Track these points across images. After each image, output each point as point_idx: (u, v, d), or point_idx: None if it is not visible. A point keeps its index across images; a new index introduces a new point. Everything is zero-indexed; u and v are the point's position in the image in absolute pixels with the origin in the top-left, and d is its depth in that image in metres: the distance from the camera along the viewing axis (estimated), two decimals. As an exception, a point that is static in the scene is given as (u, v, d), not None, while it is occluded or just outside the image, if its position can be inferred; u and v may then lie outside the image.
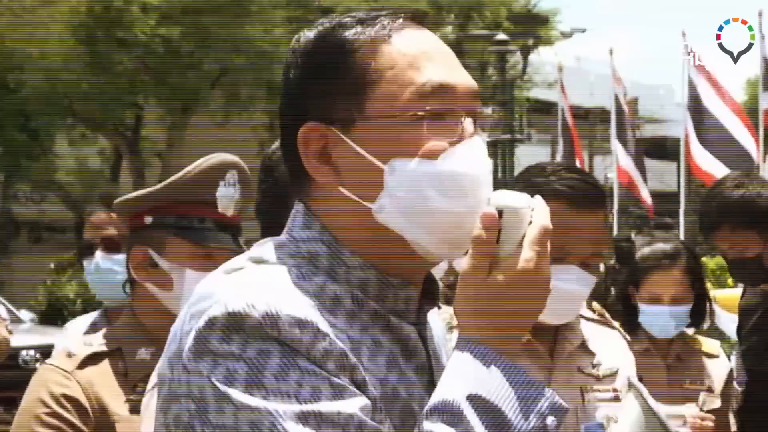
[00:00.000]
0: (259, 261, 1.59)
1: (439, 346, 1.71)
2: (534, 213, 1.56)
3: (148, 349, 2.71)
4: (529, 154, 20.75)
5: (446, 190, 1.56)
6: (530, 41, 26.17)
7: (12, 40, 20.91)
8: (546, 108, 28.70)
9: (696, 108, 15.57)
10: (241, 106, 22.96)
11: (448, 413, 1.47)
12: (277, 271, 1.56)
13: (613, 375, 2.66)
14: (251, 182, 2.80)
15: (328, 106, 1.59)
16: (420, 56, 1.60)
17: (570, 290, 2.53)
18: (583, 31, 30.79)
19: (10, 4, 21.36)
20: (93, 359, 2.69)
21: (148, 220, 2.76)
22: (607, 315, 2.87)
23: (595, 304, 2.91)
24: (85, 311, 9.42)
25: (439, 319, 1.78)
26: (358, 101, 1.58)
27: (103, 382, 2.66)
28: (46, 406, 2.60)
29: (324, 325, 1.50)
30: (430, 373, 1.63)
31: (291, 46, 1.65)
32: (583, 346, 2.67)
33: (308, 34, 1.64)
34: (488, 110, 1.65)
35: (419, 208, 1.56)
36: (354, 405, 1.47)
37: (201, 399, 1.48)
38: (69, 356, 2.69)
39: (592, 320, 2.78)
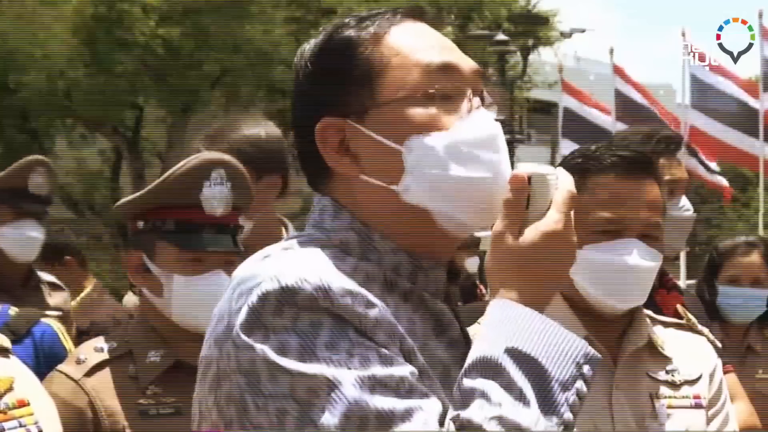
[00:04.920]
0: (288, 249, 1.65)
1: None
2: (560, 179, 1.62)
3: (157, 351, 2.70)
4: (529, 155, 20.74)
5: (464, 157, 1.62)
6: (530, 41, 26.17)
7: (13, 41, 20.89)
8: (546, 108, 28.71)
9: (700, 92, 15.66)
10: (241, 106, 22.93)
11: (488, 368, 1.51)
12: (312, 253, 1.62)
13: (693, 382, 2.59)
14: (246, 179, 2.77)
15: (340, 101, 1.66)
16: (421, 42, 1.68)
17: (632, 265, 2.47)
18: (583, 31, 30.79)
19: (11, 4, 21.34)
20: (103, 365, 2.66)
21: (140, 224, 2.74)
22: (693, 319, 2.80)
23: (681, 309, 2.88)
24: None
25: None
26: (368, 91, 1.65)
27: (113, 387, 2.63)
28: None
29: (373, 296, 1.56)
30: (464, 346, 1.66)
31: (298, 51, 1.72)
32: (654, 350, 2.59)
33: (313, 40, 1.72)
34: (495, 91, 1.72)
35: (442, 181, 1.62)
36: (404, 371, 1.52)
37: (252, 372, 1.52)
38: (78, 363, 2.67)
39: (673, 324, 2.71)
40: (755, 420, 3.37)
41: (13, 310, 3.62)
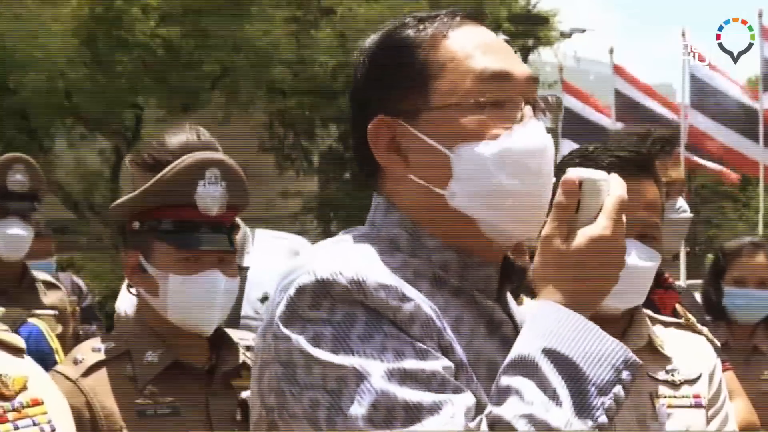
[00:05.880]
0: (338, 242, 1.69)
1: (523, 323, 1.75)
2: (611, 185, 1.63)
3: (155, 351, 2.69)
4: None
5: (511, 168, 1.63)
6: (530, 41, 26.15)
7: (13, 41, 20.88)
8: (546, 108, 28.63)
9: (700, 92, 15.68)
10: (241, 106, 22.92)
11: (525, 366, 1.52)
12: (359, 247, 1.64)
13: (693, 381, 2.59)
14: (241, 177, 2.77)
15: (394, 100, 1.68)
16: (477, 48, 1.69)
17: (630, 265, 2.41)
18: (583, 31, 30.76)
19: (10, 4, 21.33)
20: (100, 365, 2.66)
21: (136, 224, 2.73)
22: (693, 319, 2.80)
23: (680, 308, 2.87)
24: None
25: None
26: (422, 93, 1.67)
27: (110, 387, 2.63)
28: None
29: (409, 290, 1.57)
30: None
31: (358, 49, 1.75)
32: (653, 350, 2.60)
33: (373, 37, 1.74)
34: (548, 96, 1.72)
35: (488, 189, 1.63)
36: (437, 365, 1.53)
37: (289, 362, 1.55)
38: (76, 363, 2.66)
39: (672, 324, 2.71)
40: (754, 418, 3.37)
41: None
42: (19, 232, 4.68)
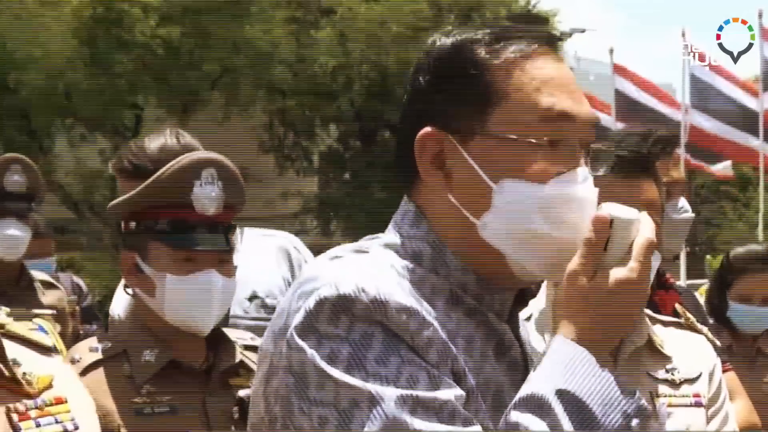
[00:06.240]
0: (361, 251, 1.65)
1: (531, 347, 1.75)
2: (641, 226, 1.61)
3: (152, 350, 2.69)
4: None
5: (552, 215, 1.61)
6: (530, 41, 26.13)
7: (13, 41, 20.89)
8: (546, 108, 28.66)
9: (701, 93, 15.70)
10: (241, 106, 22.94)
11: (536, 405, 1.51)
12: (381, 260, 1.62)
13: (693, 380, 2.59)
14: (237, 177, 2.76)
15: (450, 115, 1.64)
16: (548, 83, 1.64)
17: None
18: (583, 31, 30.79)
19: (10, 4, 21.33)
20: (98, 365, 2.66)
21: (133, 225, 2.73)
22: (693, 319, 2.79)
23: (679, 308, 2.87)
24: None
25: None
26: (480, 116, 1.63)
27: (108, 386, 2.63)
28: None
29: (428, 315, 1.55)
30: (524, 370, 1.66)
31: (425, 49, 1.70)
32: (653, 349, 2.60)
33: (444, 41, 1.69)
34: (603, 146, 1.70)
35: (523, 231, 1.61)
36: (449, 394, 1.52)
37: (302, 374, 1.53)
38: (73, 362, 2.66)
39: (672, 323, 2.71)
40: (755, 418, 3.37)
41: (4, 311, 3.61)
42: (15, 232, 4.68)
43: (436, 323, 1.56)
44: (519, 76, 1.64)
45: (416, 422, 1.49)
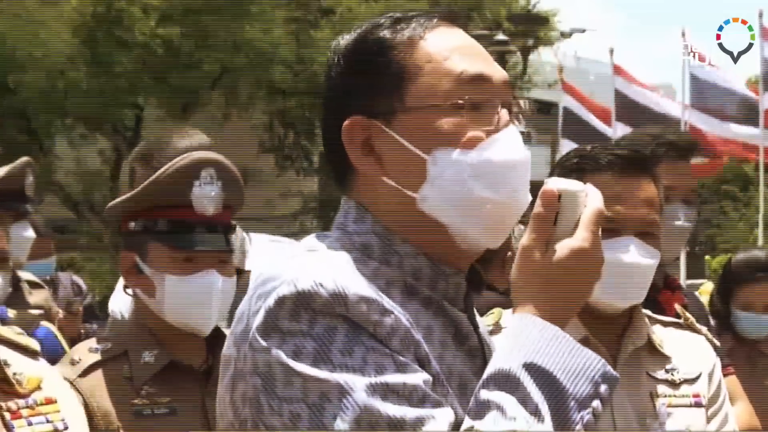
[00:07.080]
0: (312, 250, 1.65)
1: (487, 335, 1.76)
2: (589, 197, 1.62)
3: (151, 351, 2.69)
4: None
5: (486, 179, 1.62)
6: (530, 41, 26.15)
7: (13, 41, 20.88)
8: (546, 108, 28.70)
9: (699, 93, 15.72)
10: (241, 106, 22.92)
11: (505, 381, 1.52)
12: (334, 256, 1.62)
13: (692, 380, 2.59)
14: (237, 177, 2.76)
15: (369, 101, 1.67)
16: (455, 50, 1.68)
17: (631, 263, 2.49)
18: (583, 31, 30.77)
19: (10, 4, 21.33)
20: (97, 366, 2.66)
21: (132, 225, 2.73)
22: (692, 319, 2.79)
23: (679, 308, 2.88)
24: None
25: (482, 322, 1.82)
26: (398, 94, 1.65)
27: (108, 388, 2.63)
28: None
29: (388, 303, 1.56)
30: (482, 356, 1.68)
31: (331, 48, 1.75)
32: (653, 349, 2.60)
33: (347, 36, 1.73)
34: (522, 102, 1.72)
35: (461, 198, 1.63)
36: (417, 378, 1.53)
37: (268, 374, 1.53)
38: (73, 363, 2.66)
39: (672, 323, 2.71)
40: (755, 421, 3.38)
41: (11, 312, 3.61)
42: (29, 234, 4.73)
43: (396, 310, 1.56)
44: (426, 48, 1.67)
45: (389, 408, 1.49)
